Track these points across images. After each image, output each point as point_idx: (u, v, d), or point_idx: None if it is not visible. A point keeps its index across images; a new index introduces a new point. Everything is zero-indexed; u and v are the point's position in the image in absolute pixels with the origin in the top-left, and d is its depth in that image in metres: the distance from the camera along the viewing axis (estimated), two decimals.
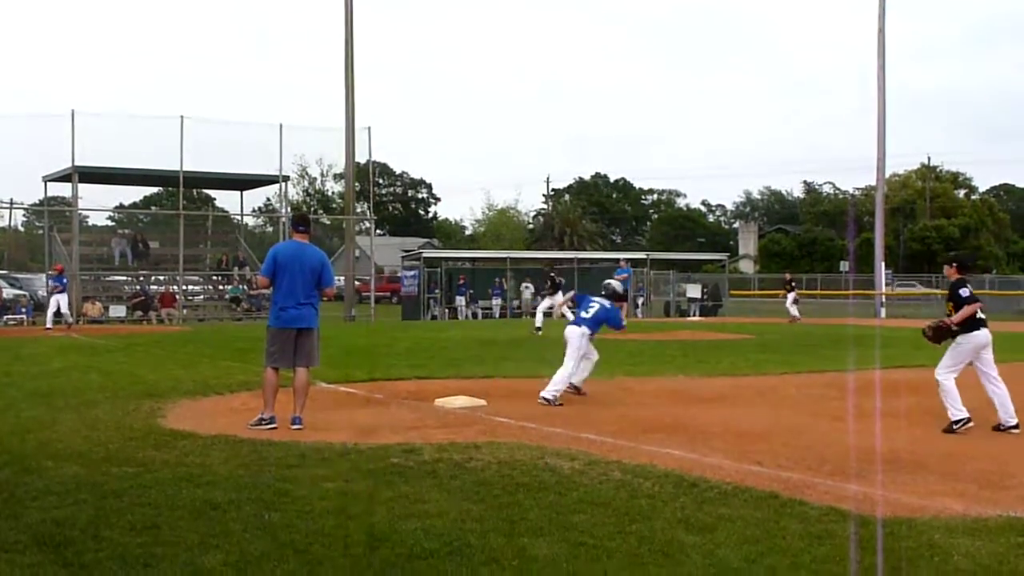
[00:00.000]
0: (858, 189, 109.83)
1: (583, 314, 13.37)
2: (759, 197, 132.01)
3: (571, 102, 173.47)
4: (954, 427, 10.34)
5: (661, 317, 42.25)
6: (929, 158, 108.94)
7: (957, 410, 10.41)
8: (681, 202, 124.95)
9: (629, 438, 9.65)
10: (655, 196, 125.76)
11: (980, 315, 10.78)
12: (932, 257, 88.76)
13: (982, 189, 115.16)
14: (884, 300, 46.64)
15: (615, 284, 14.12)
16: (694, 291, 46.42)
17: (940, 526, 6.23)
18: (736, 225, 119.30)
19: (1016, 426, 10.45)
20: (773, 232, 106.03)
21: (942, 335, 10.82)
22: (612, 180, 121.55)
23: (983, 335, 10.70)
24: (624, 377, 15.45)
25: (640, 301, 43.11)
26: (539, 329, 26.68)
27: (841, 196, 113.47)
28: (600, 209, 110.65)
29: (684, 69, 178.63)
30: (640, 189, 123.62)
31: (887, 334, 29.20)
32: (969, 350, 10.66)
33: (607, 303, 13.43)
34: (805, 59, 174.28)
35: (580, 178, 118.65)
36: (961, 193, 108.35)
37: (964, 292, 10.67)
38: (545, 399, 12.31)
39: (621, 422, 10.87)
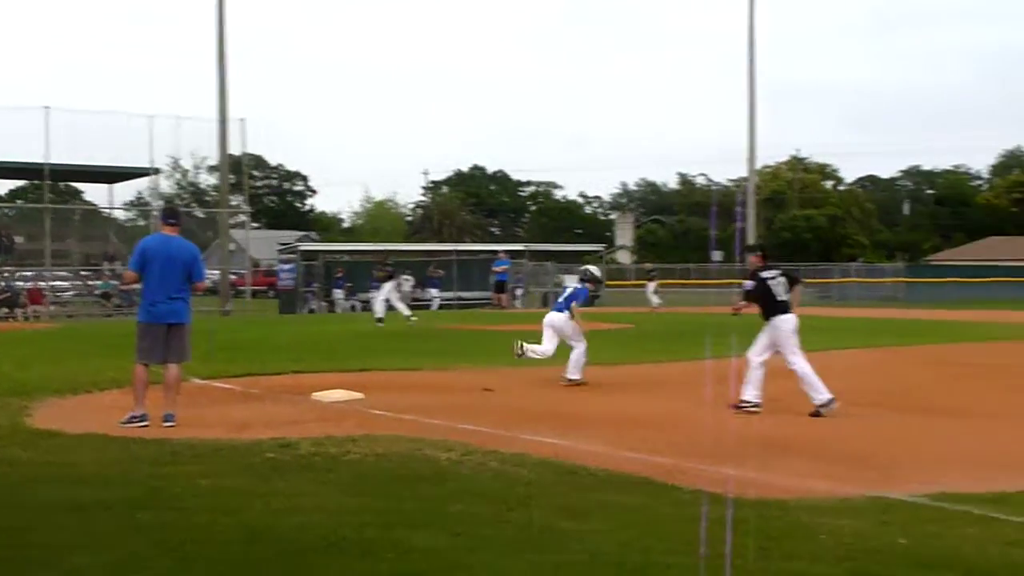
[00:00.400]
0: (731, 180, 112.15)
1: (560, 300, 14.67)
2: (635, 188, 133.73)
3: (449, 94, 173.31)
4: (819, 409, 10.59)
5: (540, 308, 42.45)
6: (798, 150, 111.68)
7: (819, 392, 10.66)
8: (559, 194, 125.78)
9: (507, 428, 9.69)
10: (533, 188, 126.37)
11: (781, 298, 11.10)
12: (803, 246, 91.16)
13: (848, 180, 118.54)
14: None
15: (592, 269, 15.76)
16: (572, 282, 46.78)
17: (807, 506, 6.40)
18: (613, 216, 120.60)
19: (830, 400, 10.66)
20: (649, 223, 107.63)
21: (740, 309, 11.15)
22: (490, 172, 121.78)
23: (793, 318, 10.97)
24: (506, 368, 15.51)
25: (519, 292, 43.28)
26: (380, 320, 26.26)
27: (714, 187, 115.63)
28: (478, 201, 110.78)
29: (562, 60, 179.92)
30: (518, 181, 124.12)
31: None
32: (789, 331, 11.01)
33: (578, 285, 14.72)
34: (679, 51, 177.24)
35: (458, 170, 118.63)
36: (829, 184, 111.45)
37: (747, 285, 10.96)
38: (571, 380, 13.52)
39: (501, 412, 10.91)
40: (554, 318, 14.23)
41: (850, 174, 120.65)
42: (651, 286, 39.56)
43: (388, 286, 26.89)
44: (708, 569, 5.01)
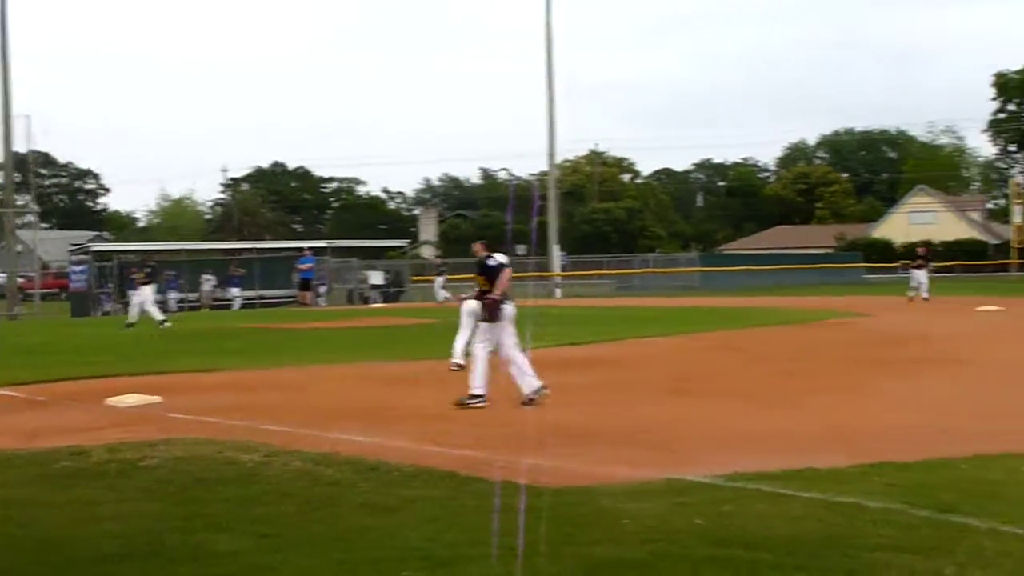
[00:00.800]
0: (532, 175, 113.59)
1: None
2: (439, 184, 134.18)
3: (247, 89, 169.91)
4: (530, 398, 10.69)
5: (344, 305, 42.09)
6: (597, 144, 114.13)
7: (480, 387, 10.79)
8: (362, 190, 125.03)
9: (312, 426, 9.57)
10: (335, 184, 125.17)
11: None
12: (603, 238, 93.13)
13: (645, 173, 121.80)
14: (560, 280, 48.49)
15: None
16: (376, 278, 46.56)
17: (609, 492, 6.55)
18: (417, 212, 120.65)
19: (544, 386, 10.78)
20: (453, 218, 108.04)
21: (495, 310, 11.16)
22: (291, 168, 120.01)
23: (512, 308, 11.17)
24: (312, 365, 15.34)
25: (322, 290, 42.78)
26: (164, 322, 25.35)
27: (517, 182, 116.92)
28: (280, 198, 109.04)
29: (362, 54, 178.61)
30: (320, 177, 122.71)
31: (561, 313, 30.39)
32: (508, 320, 11.05)
33: None
34: (480, 46, 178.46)
35: (259, 167, 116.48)
36: (626, 177, 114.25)
37: (492, 262, 11.04)
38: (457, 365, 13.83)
39: (306, 411, 10.78)
40: (474, 305, 13.58)
41: (647, 167, 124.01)
42: (439, 280, 39.78)
43: (147, 290, 25.87)
44: (512, 558, 5.07)
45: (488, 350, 11.01)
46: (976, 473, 6.89)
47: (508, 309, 11.10)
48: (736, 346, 17.94)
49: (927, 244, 36.62)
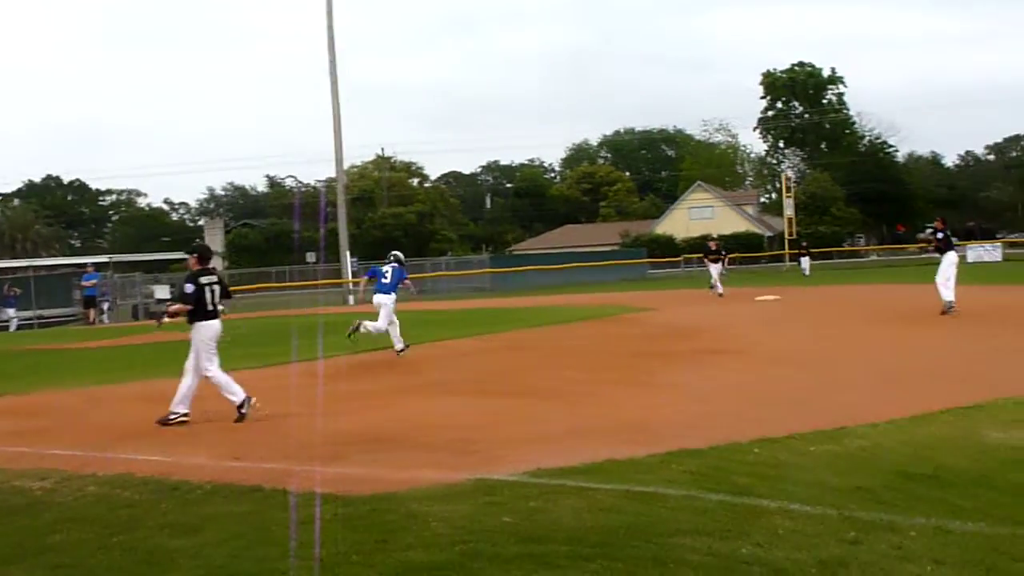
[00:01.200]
0: (319, 181, 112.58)
1: (384, 280, 17.29)
2: (223, 193, 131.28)
3: (10, 100, 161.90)
4: (241, 411, 10.66)
5: (129, 321, 40.64)
6: (383, 149, 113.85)
7: (236, 395, 10.77)
8: (143, 201, 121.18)
9: (104, 449, 9.21)
10: (114, 197, 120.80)
11: (212, 305, 11.04)
12: (394, 243, 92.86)
13: (433, 177, 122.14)
14: (352, 287, 48.13)
15: (399, 253, 19.05)
16: (162, 292, 45.13)
17: (417, 496, 6.57)
18: (202, 222, 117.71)
19: (247, 399, 10.77)
20: (240, 227, 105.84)
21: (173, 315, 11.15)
22: (66, 182, 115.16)
23: (216, 325, 11.09)
24: (98, 385, 14.76)
25: (106, 306, 41.19)
26: None
27: (304, 189, 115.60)
28: (55, 213, 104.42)
29: (136, 61, 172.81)
30: (97, 190, 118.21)
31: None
32: (208, 338, 10.96)
33: (395, 265, 17.74)
34: (262, 52, 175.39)
35: (30, 181, 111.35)
36: (415, 181, 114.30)
37: (188, 287, 10.92)
38: (400, 350, 16.88)
39: (94, 432, 10.38)
40: (384, 298, 17.10)
41: (435, 171, 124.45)
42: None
43: None
44: (322, 569, 5.04)
45: (214, 364, 10.86)
46: (766, 456, 7.22)
47: (212, 327, 10.94)
48: (530, 345, 18.23)
49: (717, 239, 37.52)
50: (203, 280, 10.93)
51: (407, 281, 18.40)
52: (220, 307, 11.16)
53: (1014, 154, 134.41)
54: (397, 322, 17.26)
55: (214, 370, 10.79)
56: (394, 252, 19.25)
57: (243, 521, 6.19)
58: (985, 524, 5.32)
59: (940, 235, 21.07)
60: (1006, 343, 14.76)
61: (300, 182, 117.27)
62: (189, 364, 10.90)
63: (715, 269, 32.75)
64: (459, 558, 5.19)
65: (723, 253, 33.44)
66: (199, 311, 10.82)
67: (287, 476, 7.43)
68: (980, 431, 7.79)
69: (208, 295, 10.91)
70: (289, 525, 5.98)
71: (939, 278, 20.34)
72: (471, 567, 5.05)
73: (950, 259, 20.39)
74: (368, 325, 17.01)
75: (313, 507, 6.39)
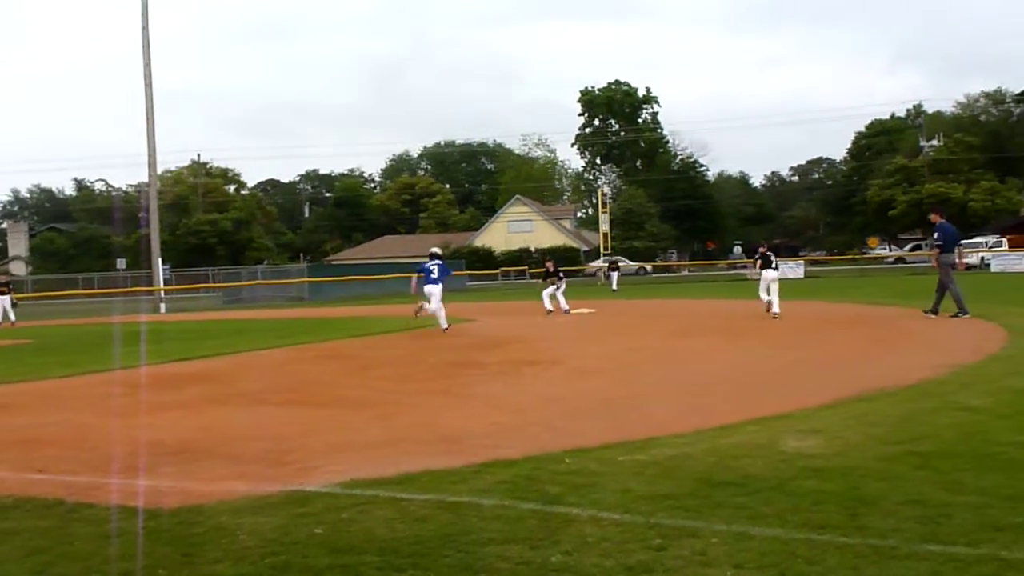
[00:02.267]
0: (131, 185, 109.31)
1: (432, 276, 23.08)
2: (28, 196, 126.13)
3: None
4: None
5: None
6: (199, 154, 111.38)
7: None
8: None
9: None
10: None
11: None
12: (210, 250, 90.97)
13: (251, 184, 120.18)
14: (164, 295, 46.89)
15: (436, 249, 24.59)
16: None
17: (227, 508, 6.44)
18: (4, 226, 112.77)
19: None
20: (46, 231, 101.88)
21: None
22: None
23: None
24: None
25: None
26: None
27: (114, 193, 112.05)
28: None
29: None
30: None
31: (168, 328, 29.45)
32: None
33: (440, 263, 23.54)
34: (71, 53, 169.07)
35: None
36: (232, 188, 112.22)
37: None
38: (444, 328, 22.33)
39: None
40: (433, 288, 22.97)
41: (252, 178, 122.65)
42: (5, 299, 36.19)
43: None
44: None
45: None
46: (578, 466, 7.35)
47: None
48: (346, 355, 18.11)
49: (550, 256, 37.42)
50: None
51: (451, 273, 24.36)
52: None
53: (816, 176, 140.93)
54: (443, 307, 22.98)
55: None
56: (433, 250, 24.53)
57: (45, 536, 5.95)
58: (783, 530, 5.54)
59: (757, 256, 24.80)
60: (808, 356, 15.44)
61: (111, 186, 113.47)
62: None
63: (547, 291, 30.50)
64: (268, 571, 5.12)
65: (560, 275, 31.50)
66: None
67: (92, 489, 7.19)
68: (780, 440, 8.11)
69: None
70: (93, 540, 5.79)
71: (761, 291, 24.05)
72: None
73: (769, 276, 23.77)
74: (428, 307, 23.06)
75: (118, 521, 6.21)
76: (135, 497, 6.86)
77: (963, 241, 65.19)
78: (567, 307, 29.81)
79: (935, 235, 21.45)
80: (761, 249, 24.84)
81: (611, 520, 5.84)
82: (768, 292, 23.40)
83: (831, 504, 6.04)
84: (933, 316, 20.46)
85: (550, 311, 29.44)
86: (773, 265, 23.85)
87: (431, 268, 22.96)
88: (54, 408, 12.31)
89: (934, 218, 21.82)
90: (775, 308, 22.92)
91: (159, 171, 55.61)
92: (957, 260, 21.70)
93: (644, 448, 7.95)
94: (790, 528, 5.57)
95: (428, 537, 5.61)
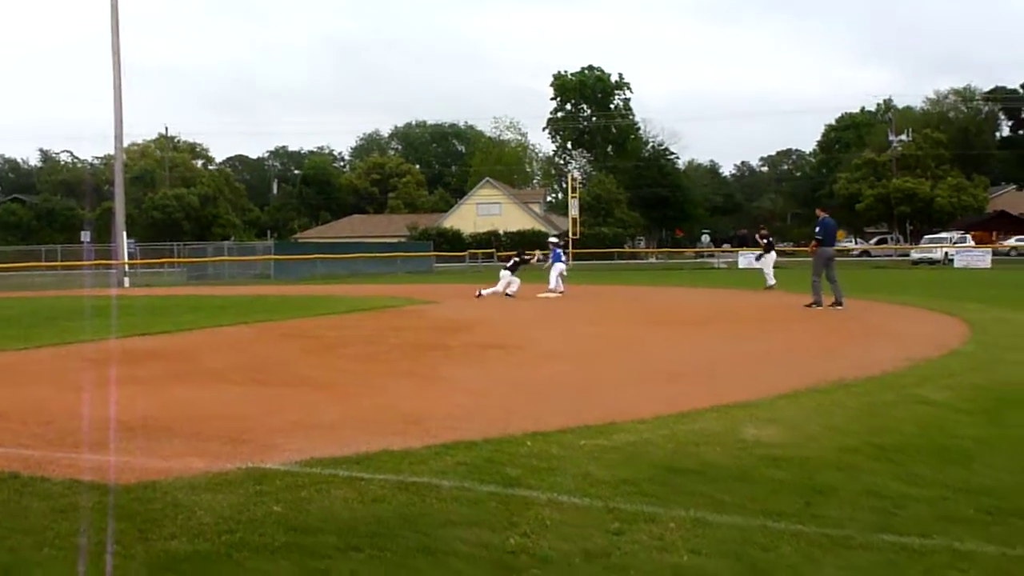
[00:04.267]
0: (97, 158, 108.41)
1: (559, 252, 31.43)
2: None
3: None
4: None
5: None
6: (167, 128, 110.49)
7: None
8: None
9: None
10: None
11: None
12: (175, 225, 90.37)
13: (219, 160, 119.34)
14: (128, 269, 46.54)
15: (554, 238, 32.46)
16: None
17: (184, 485, 6.40)
18: None
19: None
20: (8, 202, 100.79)
21: None
22: None
23: None
24: None
25: None
26: None
27: (80, 165, 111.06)
28: None
29: None
30: None
31: (130, 303, 29.25)
32: None
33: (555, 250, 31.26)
34: (40, 23, 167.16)
35: None
36: (199, 163, 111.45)
37: None
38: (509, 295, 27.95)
39: None
40: (559, 266, 30.81)
41: (220, 154, 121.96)
42: None
43: None
44: (80, 559, 4.87)
45: None
46: (538, 449, 7.36)
47: None
48: (310, 334, 18.03)
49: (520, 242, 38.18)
50: None
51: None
52: None
53: (785, 167, 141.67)
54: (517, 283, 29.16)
55: None
56: (551, 239, 32.18)
57: None
58: (740, 517, 5.58)
59: (767, 241, 33.48)
60: (770, 346, 15.52)
61: (77, 158, 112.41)
62: None
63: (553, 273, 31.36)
64: (224, 548, 5.09)
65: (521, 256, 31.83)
66: None
67: (48, 463, 7.12)
68: (740, 429, 8.15)
69: None
70: (47, 514, 5.74)
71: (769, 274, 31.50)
72: (236, 557, 4.96)
73: (773, 258, 32.47)
74: (553, 285, 29.82)
75: (74, 496, 6.16)
76: (91, 472, 6.81)
77: (928, 236, 66.61)
78: (562, 288, 30.85)
79: (816, 229, 23.28)
80: (764, 232, 33.74)
81: (570, 504, 5.86)
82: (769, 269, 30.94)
83: (788, 493, 6.08)
84: (840, 307, 21.78)
85: (562, 291, 30.57)
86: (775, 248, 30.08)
87: (558, 252, 31.28)
88: (11, 382, 12.19)
89: (819, 213, 23.93)
90: (771, 281, 30.56)
91: (126, 144, 55.07)
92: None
93: (605, 433, 7.96)
94: (747, 515, 5.60)
95: (387, 517, 5.60)
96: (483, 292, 29.35)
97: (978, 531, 5.31)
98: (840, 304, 21.81)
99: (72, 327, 19.58)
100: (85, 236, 71.23)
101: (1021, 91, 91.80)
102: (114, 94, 45.36)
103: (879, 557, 4.89)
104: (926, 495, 6.00)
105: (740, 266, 63.64)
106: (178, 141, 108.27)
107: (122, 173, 48.31)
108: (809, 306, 22.16)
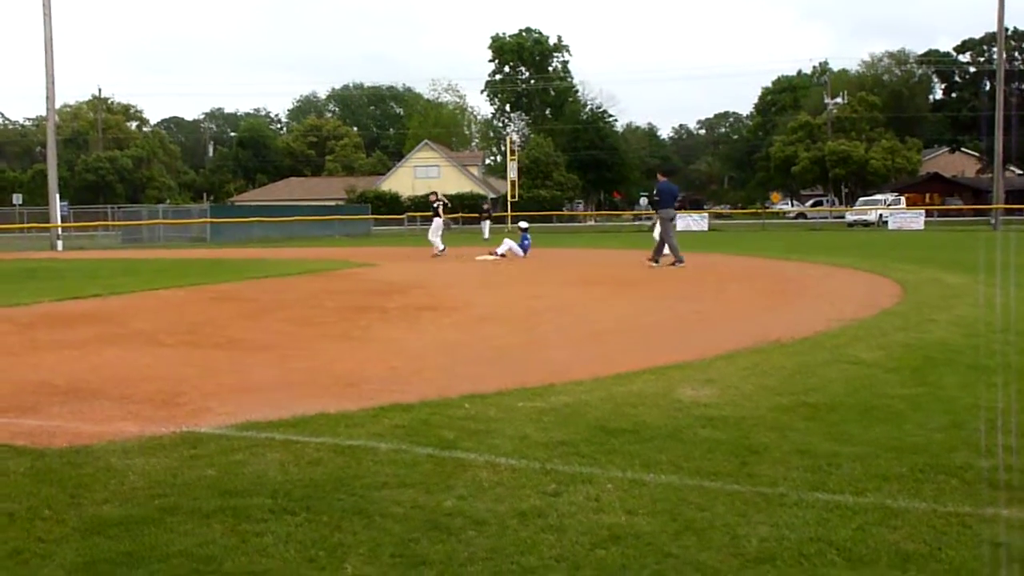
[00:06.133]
0: (29, 119, 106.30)
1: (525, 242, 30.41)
2: None
3: None
4: None
5: None
6: (100, 89, 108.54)
7: None
8: None
9: None
10: None
11: None
12: (109, 188, 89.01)
13: (153, 121, 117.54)
14: (61, 232, 45.78)
15: (523, 223, 30.82)
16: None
17: (116, 449, 6.31)
18: None
19: None
20: None
21: None
22: None
23: None
24: None
25: None
26: None
27: (11, 126, 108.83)
28: None
29: None
30: None
31: (63, 266, 28.79)
32: None
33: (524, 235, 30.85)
34: None
35: None
36: (133, 125, 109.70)
37: None
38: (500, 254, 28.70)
39: None
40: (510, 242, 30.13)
41: (155, 115, 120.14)
42: None
43: None
44: (9, 525, 4.79)
45: None
46: (475, 411, 7.34)
47: None
48: (245, 297, 17.88)
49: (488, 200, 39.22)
50: None
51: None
52: None
53: (722, 130, 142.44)
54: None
55: None
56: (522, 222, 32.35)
57: None
58: (676, 477, 5.61)
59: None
60: (706, 307, 15.63)
61: (7, 118, 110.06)
62: None
63: (485, 226, 35.57)
64: (156, 513, 5.02)
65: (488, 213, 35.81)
66: None
67: None
68: (677, 389, 8.20)
69: None
70: None
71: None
72: (168, 521, 4.89)
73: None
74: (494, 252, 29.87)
75: (3, 460, 6.05)
76: (21, 436, 6.69)
77: (862, 199, 67.55)
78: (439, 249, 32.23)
79: (654, 192, 25.59)
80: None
81: (506, 466, 5.85)
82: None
83: (723, 453, 6.13)
84: (654, 265, 24.08)
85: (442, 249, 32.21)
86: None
87: (527, 237, 30.88)
88: None
89: (659, 177, 26.09)
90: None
91: (58, 105, 53.97)
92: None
93: (541, 395, 7.97)
94: (683, 475, 5.64)
95: (321, 480, 5.56)
96: (498, 252, 30.25)
97: (909, 488, 5.38)
98: (656, 262, 24.24)
99: (2, 290, 19.24)
100: (16, 199, 69.91)
101: (954, 54, 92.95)
102: (45, 54, 44.38)
103: (813, 515, 4.94)
104: (858, 453, 6.08)
105: (678, 228, 64.13)
106: (112, 103, 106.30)
107: (54, 134, 47.36)
108: (673, 264, 23.81)
